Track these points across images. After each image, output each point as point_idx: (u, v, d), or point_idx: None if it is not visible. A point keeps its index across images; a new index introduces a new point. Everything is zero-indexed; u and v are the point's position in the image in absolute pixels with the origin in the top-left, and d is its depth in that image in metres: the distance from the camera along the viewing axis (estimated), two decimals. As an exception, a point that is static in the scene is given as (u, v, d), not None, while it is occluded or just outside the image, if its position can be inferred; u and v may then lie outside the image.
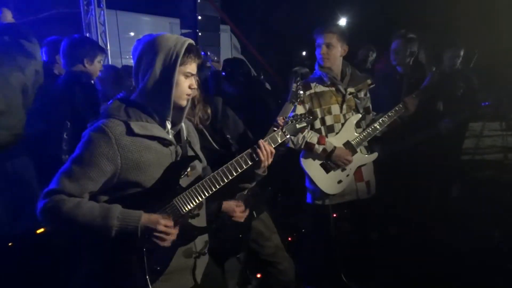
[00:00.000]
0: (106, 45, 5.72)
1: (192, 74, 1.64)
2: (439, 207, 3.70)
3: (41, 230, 3.56)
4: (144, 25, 7.38)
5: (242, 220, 2.14)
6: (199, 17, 6.08)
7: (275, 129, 2.07)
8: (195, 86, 1.66)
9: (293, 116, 1.88)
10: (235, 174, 1.68)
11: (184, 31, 6.17)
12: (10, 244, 3.40)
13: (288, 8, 12.41)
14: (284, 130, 1.82)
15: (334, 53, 2.69)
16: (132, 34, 7.08)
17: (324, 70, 2.73)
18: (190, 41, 1.62)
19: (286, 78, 5.39)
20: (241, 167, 1.69)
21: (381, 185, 2.95)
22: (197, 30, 6.10)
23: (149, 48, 1.58)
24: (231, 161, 1.68)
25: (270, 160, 1.73)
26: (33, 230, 3.36)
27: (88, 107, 2.70)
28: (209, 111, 2.19)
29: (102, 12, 5.84)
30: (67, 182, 1.47)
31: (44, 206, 1.46)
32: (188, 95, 1.65)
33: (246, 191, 2.19)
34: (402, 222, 3.44)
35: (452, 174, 4.07)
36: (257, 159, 1.71)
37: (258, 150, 1.71)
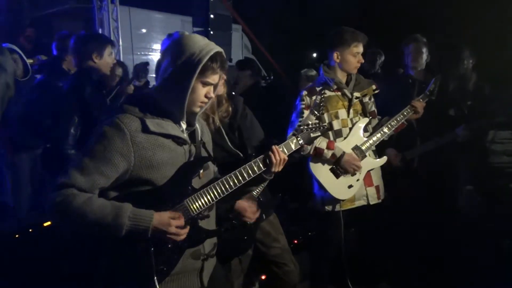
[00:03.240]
0: (118, 41, 5.76)
1: (212, 84, 1.59)
2: (450, 213, 3.65)
3: (48, 223, 3.60)
4: (156, 22, 7.39)
5: (253, 220, 2.13)
6: (211, 16, 6.07)
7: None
8: (212, 95, 1.61)
9: (308, 125, 1.87)
10: (247, 178, 1.67)
11: (196, 29, 6.18)
12: (30, 230, 3.41)
13: (299, 9, 12.38)
14: (299, 138, 1.82)
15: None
16: (144, 30, 7.10)
17: (332, 76, 2.71)
18: (218, 50, 1.55)
19: (295, 79, 5.39)
20: (253, 172, 1.69)
21: (391, 191, 2.93)
22: (209, 29, 6.10)
23: (175, 46, 1.55)
24: (244, 166, 1.68)
25: (281, 167, 1.72)
26: (40, 223, 3.39)
27: (96, 103, 2.70)
28: (230, 109, 2.18)
29: (115, 8, 5.88)
30: (79, 176, 1.44)
31: (53, 200, 1.43)
32: (203, 103, 1.60)
33: (258, 195, 2.19)
34: (412, 228, 3.40)
35: (463, 182, 4.03)
36: (269, 164, 1.70)
37: (271, 155, 1.70)
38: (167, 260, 1.56)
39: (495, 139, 4.75)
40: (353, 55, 2.66)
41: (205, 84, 1.57)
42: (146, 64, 4.76)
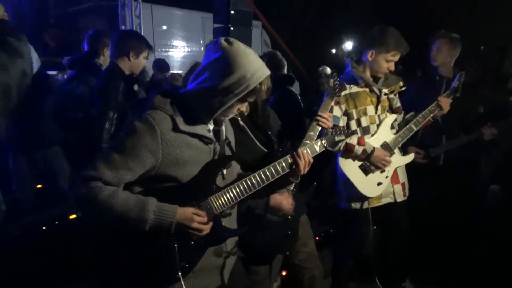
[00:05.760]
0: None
1: (249, 101, 1.59)
2: (475, 212, 3.58)
3: (74, 216, 3.66)
4: (177, 18, 7.42)
5: (290, 211, 2.11)
6: (232, 12, 6.05)
7: (315, 124, 2.07)
8: (243, 109, 1.64)
9: (333, 127, 1.89)
10: (271, 179, 1.66)
11: (216, 25, 6.18)
12: (44, 228, 3.50)
13: (319, 5, 12.26)
14: (323, 141, 1.81)
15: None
16: (164, 27, 7.15)
17: (359, 72, 2.65)
18: (268, 74, 1.51)
19: (313, 76, 5.36)
20: (278, 173, 1.67)
21: (416, 188, 2.88)
22: (229, 25, 6.08)
23: (227, 62, 1.45)
24: (268, 166, 1.67)
25: (307, 169, 1.70)
26: (64, 217, 3.45)
27: (129, 98, 2.72)
28: (249, 107, 2.13)
29: (138, 5, 5.94)
30: (106, 170, 1.44)
31: (79, 192, 1.44)
32: (234, 114, 1.62)
33: (292, 188, 2.15)
34: (436, 226, 3.34)
35: (487, 180, 3.94)
36: (295, 167, 1.69)
37: (298, 160, 1.68)
38: (190, 256, 1.57)
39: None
40: (387, 61, 2.58)
41: (244, 101, 1.56)
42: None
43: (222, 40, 1.50)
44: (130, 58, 2.79)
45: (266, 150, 2.14)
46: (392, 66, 2.62)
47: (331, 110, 2.56)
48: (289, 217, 2.15)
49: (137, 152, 1.46)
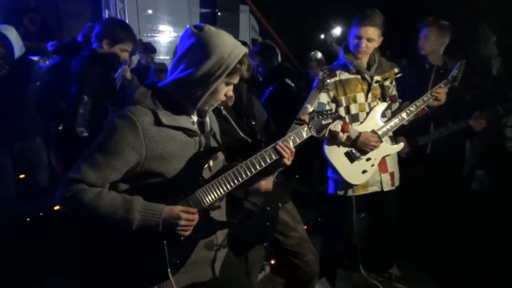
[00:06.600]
0: (124, 23, 5.65)
1: (234, 83, 1.56)
2: (463, 200, 3.63)
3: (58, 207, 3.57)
4: (162, 3, 7.21)
5: (269, 188, 2.08)
6: (219, -4, 5.92)
7: (301, 117, 2.02)
8: (231, 94, 1.58)
9: (319, 112, 1.84)
10: (258, 168, 1.64)
11: (203, 10, 6.05)
12: (28, 219, 3.42)
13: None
14: (310, 126, 1.78)
15: (373, 46, 2.58)
16: (150, 12, 6.96)
17: (350, 59, 2.62)
18: (245, 51, 1.51)
19: (303, 61, 5.30)
20: (265, 161, 1.65)
21: (405, 177, 2.88)
22: (216, 10, 5.96)
23: (202, 47, 1.45)
24: (255, 155, 1.64)
25: (292, 159, 1.68)
26: (48, 209, 3.37)
27: (105, 84, 2.68)
28: (233, 96, 2.11)
29: (121, -11, 5.76)
30: (89, 171, 1.42)
31: (64, 195, 1.41)
32: (220, 100, 1.58)
33: (274, 178, 2.13)
34: (425, 213, 3.38)
35: (475, 167, 3.99)
36: (279, 158, 1.66)
37: (280, 150, 1.65)
38: (180, 252, 1.55)
39: (508, 123, 4.68)
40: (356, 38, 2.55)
41: (228, 84, 1.53)
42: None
43: (192, 27, 1.49)
44: (103, 45, 2.71)
45: (249, 140, 2.12)
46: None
47: (318, 98, 2.54)
48: (268, 208, 2.15)
49: (119, 150, 1.42)
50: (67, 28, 6.22)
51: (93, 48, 2.74)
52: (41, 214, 3.38)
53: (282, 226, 2.33)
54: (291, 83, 3.63)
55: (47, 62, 4.31)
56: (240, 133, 2.12)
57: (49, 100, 2.83)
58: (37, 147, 3.69)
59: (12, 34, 3.40)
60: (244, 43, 2.95)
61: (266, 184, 2.10)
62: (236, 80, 1.54)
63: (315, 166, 4.27)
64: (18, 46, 3.44)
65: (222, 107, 2.08)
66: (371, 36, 2.53)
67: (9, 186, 3.61)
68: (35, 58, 4.36)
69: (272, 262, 3.10)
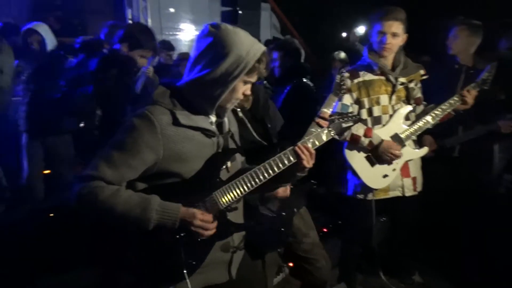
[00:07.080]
0: (146, 21, 5.72)
1: (252, 82, 1.53)
2: (490, 203, 3.49)
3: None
4: (184, 1, 7.27)
5: (286, 195, 2.06)
6: (240, -6, 5.90)
7: (318, 121, 1.96)
8: (249, 92, 1.55)
9: (340, 114, 1.78)
10: (277, 170, 1.60)
11: (224, 8, 6.04)
12: (51, 214, 3.47)
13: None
14: (330, 129, 1.73)
15: (398, 43, 2.49)
16: (172, 10, 7.02)
17: (375, 59, 2.54)
18: (264, 49, 1.48)
19: (325, 61, 5.23)
20: (283, 163, 1.61)
21: (428, 182, 2.79)
22: (237, 8, 5.94)
23: (219, 46, 1.43)
24: (273, 157, 1.61)
25: (312, 162, 1.63)
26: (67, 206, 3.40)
27: (121, 85, 2.69)
28: (251, 99, 2.10)
29: (144, -13, 5.81)
30: (106, 169, 1.41)
31: (80, 192, 1.41)
32: (238, 99, 1.55)
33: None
34: (450, 218, 3.27)
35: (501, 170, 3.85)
36: (298, 161, 1.61)
37: (299, 152, 1.61)
38: (197, 253, 1.54)
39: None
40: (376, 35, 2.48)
41: (246, 82, 1.51)
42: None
43: (209, 26, 1.48)
44: (122, 48, 2.74)
45: (265, 143, 2.10)
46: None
47: (341, 99, 2.49)
48: (283, 213, 2.12)
49: (137, 149, 1.42)
50: (90, 26, 6.33)
51: (113, 49, 2.78)
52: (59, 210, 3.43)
53: (296, 231, 2.31)
54: (309, 83, 3.56)
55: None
56: (256, 136, 2.10)
57: (71, 96, 2.88)
58: (69, 143, 3.76)
59: (44, 30, 3.53)
60: (269, 41, 2.90)
61: (284, 191, 2.07)
62: (254, 78, 1.52)
63: (331, 167, 4.20)
64: (50, 40, 3.58)
65: (239, 109, 2.06)
66: (395, 31, 2.45)
67: (39, 173, 3.68)
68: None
69: (291, 264, 3.07)
